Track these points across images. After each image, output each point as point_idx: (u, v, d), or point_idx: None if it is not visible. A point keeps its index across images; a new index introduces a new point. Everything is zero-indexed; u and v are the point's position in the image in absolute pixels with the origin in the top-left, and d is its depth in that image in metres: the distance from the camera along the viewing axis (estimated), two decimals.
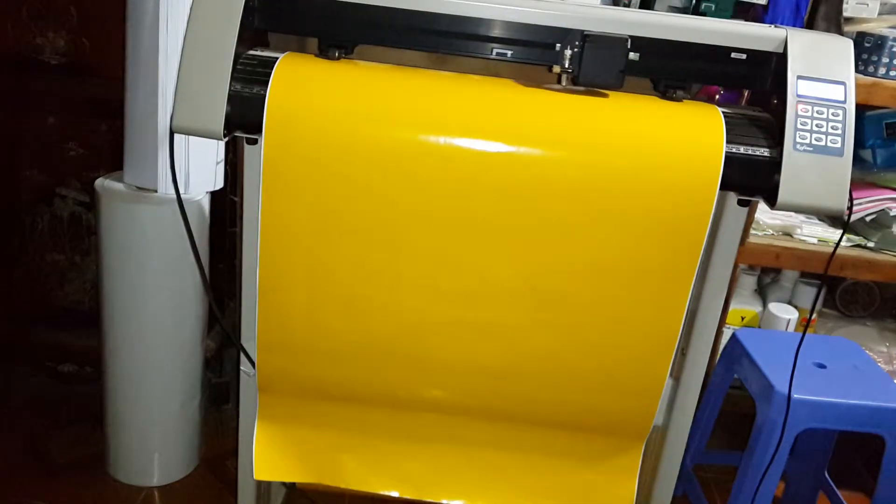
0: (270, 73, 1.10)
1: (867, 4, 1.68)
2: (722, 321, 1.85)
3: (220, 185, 1.65)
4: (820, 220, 1.90)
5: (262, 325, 1.23)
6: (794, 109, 1.08)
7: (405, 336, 1.22)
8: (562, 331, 1.20)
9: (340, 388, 1.28)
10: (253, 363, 1.29)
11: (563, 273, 1.16)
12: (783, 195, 1.08)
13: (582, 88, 1.14)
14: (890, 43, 1.69)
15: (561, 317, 1.19)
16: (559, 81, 1.14)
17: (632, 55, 1.11)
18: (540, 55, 1.14)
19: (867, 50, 1.72)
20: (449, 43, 1.15)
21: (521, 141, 1.09)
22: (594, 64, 1.10)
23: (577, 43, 1.11)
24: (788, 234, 1.83)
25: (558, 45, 1.13)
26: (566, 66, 1.12)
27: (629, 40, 1.10)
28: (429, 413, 1.30)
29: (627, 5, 1.59)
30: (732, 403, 1.75)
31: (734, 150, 1.09)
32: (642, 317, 1.18)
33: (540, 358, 1.22)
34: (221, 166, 1.64)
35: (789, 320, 1.84)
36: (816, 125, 1.08)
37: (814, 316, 1.97)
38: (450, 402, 1.28)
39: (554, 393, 1.25)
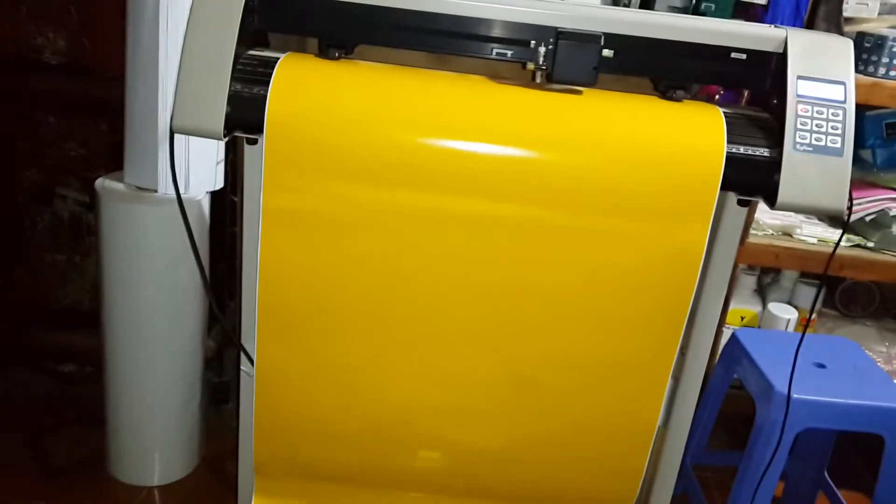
0: (270, 74, 1.11)
1: (867, 4, 1.69)
2: (721, 321, 1.85)
3: (220, 185, 1.65)
4: (820, 220, 1.90)
5: (260, 409, 1.27)
6: (794, 109, 1.08)
7: (396, 419, 1.27)
8: (546, 415, 1.25)
9: (335, 470, 1.33)
10: (252, 362, 1.29)
11: (547, 342, 1.20)
12: (783, 195, 1.08)
13: (581, 89, 1.14)
14: (890, 43, 1.69)
15: (545, 401, 1.24)
16: (533, 79, 1.14)
17: (606, 52, 1.11)
18: (520, 53, 1.14)
19: (867, 50, 1.72)
20: (446, 43, 1.15)
21: (522, 143, 1.09)
22: (567, 61, 1.10)
23: (551, 40, 1.11)
24: (788, 234, 1.83)
25: (532, 41, 1.13)
26: (540, 62, 1.12)
27: (602, 37, 1.10)
28: (419, 493, 1.34)
29: (627, 5, 1.59)
30: (732, 403, 1.75)
31: (734, 150, 1.10)
32: (626, 387, 1.23)
33: (525, 441, 1.27)
34: (221, 166, 1.64)
35: (789, 320, 1.84)
36: (816, 125, 1.08)
37: (813, 316, 1.97)
38: (439, 483, 1.32)
39: (538, 474, 1.30)
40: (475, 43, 1.14)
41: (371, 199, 1.12)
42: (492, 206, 1.12)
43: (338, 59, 1.17)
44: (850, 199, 1.09)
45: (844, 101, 1.09)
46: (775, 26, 1.16)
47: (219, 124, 1.09)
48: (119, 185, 1.59)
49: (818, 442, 1.73)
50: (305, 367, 1.24)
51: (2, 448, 1.76)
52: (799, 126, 1.08)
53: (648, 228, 1.12)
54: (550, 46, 1.11)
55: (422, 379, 1.24)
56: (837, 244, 1.21)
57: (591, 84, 1.11)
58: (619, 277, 1.15)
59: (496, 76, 1.18)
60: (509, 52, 1.14)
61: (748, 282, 1.95)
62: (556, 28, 1.11)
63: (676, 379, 1.34)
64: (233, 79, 1.09)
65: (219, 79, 1.08)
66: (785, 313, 1.85)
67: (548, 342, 1.20)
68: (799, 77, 1.09)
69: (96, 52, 1.81)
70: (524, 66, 1.14)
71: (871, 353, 1.85)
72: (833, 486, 1.72)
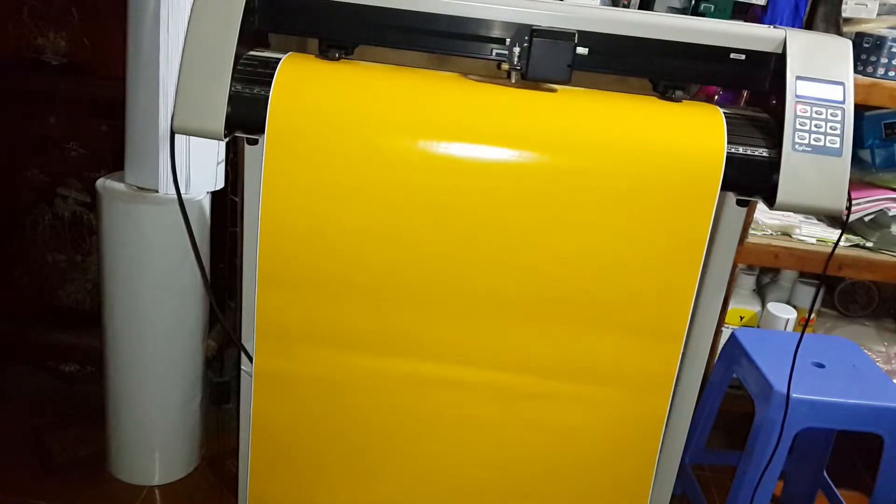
0: (271, 74, 1.11)
1: (866, 5, 1.69)
2: (721, 321, 1.86)
3: (220, 185, 1.65)
4: (819, 220, 1.91)
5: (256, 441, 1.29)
6: (793, 110, 1.08)
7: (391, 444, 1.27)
8: (546, 426, 1.24)
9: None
10: (252, 360, 1.30)
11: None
12: (782, 195, 1.08)
13: (581, 89, 1.15)
14: (889, 43, 1.69)
15: (544, 410, 1.23)
16: (509, 77, 1.15)
17: (581, 49, 1.11)
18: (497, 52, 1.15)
19: (866, 50, 1.72)
20: (447, 44, 1.15)
21: (523, 143, 1.10)
22: (541, 59, 1.11)
23: (525, 38, 1.11)
24: (787, 234, 1.83)
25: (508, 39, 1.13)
26: (515, 62, 1.12)
27: (576, 34, 1.10)
28: None
29: (626, 6, 1.60)
30: (731, 403, 1.76)
31: (734, 151, 1.10)
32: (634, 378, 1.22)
33: (525, 456, 1.27)
34: (222, 166, 1.64)
35: (788, 320, 1.84)
36: (815, 125, 1.08)
37: (812, 315, 1.97)
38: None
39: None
40: (472, 43, 1.15)
41: (372, 197, 1.13)
42: (493, 205, 1.12)
43: (338, 59, 1.17)
44: (849, 199, 1.09)
45: (843, 102, 1.09)
46: (774, 27, 1.17)
47: (219, 124, 1.09)
48: (120, 185, 1.60)
49: (817, 441, 1.74)
50: (305, 372, 1.25)
51: (3, 447, 1.77)
52: (798, 126, 1.08)
53: (649, 228, 1.12)
54: (525, 45, 1.11)
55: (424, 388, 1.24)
56: (836, 244, 1.21)
57: (566, 81, 1.12)
58: (619, 277, 1.15)
59: (496, 75, 1.19)
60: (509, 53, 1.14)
61: (747, 282, 1.95)
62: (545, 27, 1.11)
63: (676, 378, 1.34)
64: (233, 79, 1.09)
65: (219, 79, 1.09)
66: (784, 313, 1.85)
67: (549, 350, 1.20)
68: (798, 77, 1.10)
69: (97, 52, 1.81)
70: (499, 66, 1.15)
71: (870, 353, 1.85)
72: (832, 485, 1.73)
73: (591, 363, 1.20)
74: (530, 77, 1.11)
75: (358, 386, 1.24)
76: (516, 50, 1.12)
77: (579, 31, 1.11)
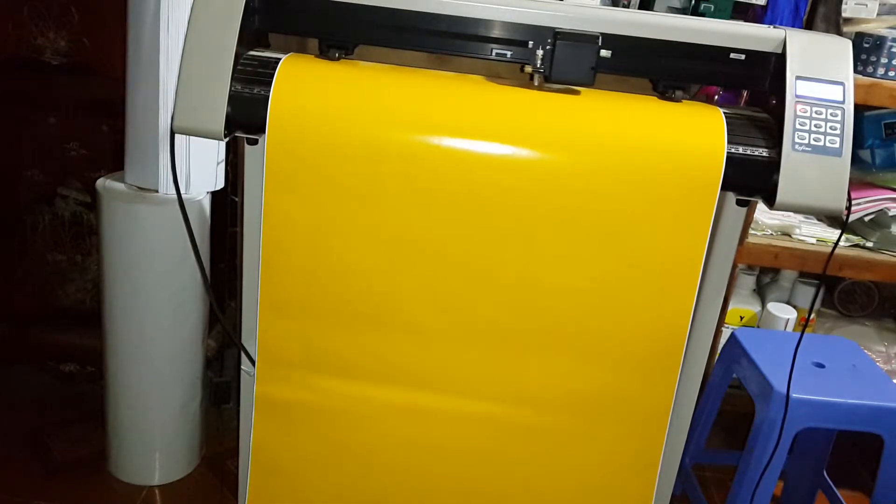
0: (271, 74, 1.11)
1: (866, 5, 1.69)
2: (721, 321, 1.86)
3: (220, 185, 1.65)
4: (818, 219, 1.91)
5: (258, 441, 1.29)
6: (792, 110, 1.08)
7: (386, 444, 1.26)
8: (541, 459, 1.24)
9: None
10: (253, 362, 1.30)
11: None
12: (782, 195, 1.08)
13: (581, 89, 1.15)
14: (889, 43, 1.69)
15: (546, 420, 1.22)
16: (531, 80, 1.15)
17: (604, 52, 1.11)
18: (519, 53, 1.14)
19: (866, 50, 1.73)
20: (445, 43, 1.15)
21: (523, 142, 1.10)
22: (565, 61, 1.11)
23: (548, 41, 1.11)
24: (787, 233, 1.83)
25: (530, 43, 1.13)
26: (538, 65, 1.12)
27: (600, 37, 1.10)
28: None
29: (626, 6, 1.60)
30: (731, 403, 1.76)
31: (734, 151, 1.10)
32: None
33: (520, 489, 1.26)
34: (222, 166, 1.65)
35: (788, 320, 1.84)
36: (815, 125, 1.08)
37: (812, 315, 1.97)
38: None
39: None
40: (474, 43, 1.15)
41: (372, 197, 1.13)
42: (492, 205, 1.12)
43: (338, 59, 1.17)
44: (849, 199, 1.09)
45: (843, 102, 1.09)
46: (774, 27, 1.17)
47: (219, 124, 1.09)
48: (120, 185, 1.60)
49: (817, 441, 1.74)
50: (305, 400, 1.25)
51: (3, 447, 1.77)
52: (798, 126, 1.08)
53: (649, 229, 1.12)
54: (548, 48, 1.12)
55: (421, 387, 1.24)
56: (836, 244, 1.21)
57: (590, 84, 1.12)
58: (619, 278, 1.15)
59: (496, 76, 1.19)
60: (508, 53, 1.14)
61: (747, 281, 1.95)
62: (553, 28, 1.11)
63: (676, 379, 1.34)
64: (233, 79, 1.09)
65: (219, 79, 1.09)
66: (784, 313, 1.85)
67: (546, 381, 1.20)
68: (798, 77, 1.10)
69: (97, 52, 1.82)
70: (522, 68, 1.15)
71: (869, 353, 1.86)
72: (832, 485, 1.73)
73: (588, 395, 1.20)
74: (553, 80, 1.12)
75: (356, 415, 1.24)
76: (539, 52, 1.12)
77: (578, 31, 1.11)
